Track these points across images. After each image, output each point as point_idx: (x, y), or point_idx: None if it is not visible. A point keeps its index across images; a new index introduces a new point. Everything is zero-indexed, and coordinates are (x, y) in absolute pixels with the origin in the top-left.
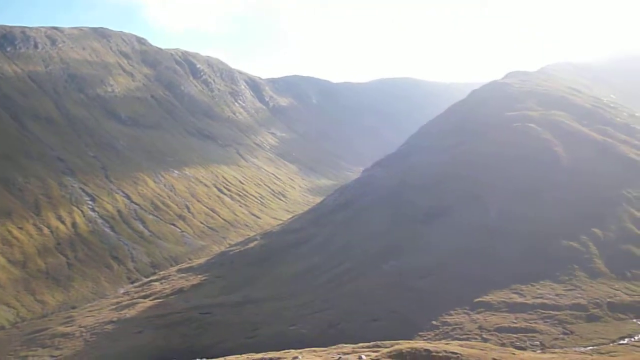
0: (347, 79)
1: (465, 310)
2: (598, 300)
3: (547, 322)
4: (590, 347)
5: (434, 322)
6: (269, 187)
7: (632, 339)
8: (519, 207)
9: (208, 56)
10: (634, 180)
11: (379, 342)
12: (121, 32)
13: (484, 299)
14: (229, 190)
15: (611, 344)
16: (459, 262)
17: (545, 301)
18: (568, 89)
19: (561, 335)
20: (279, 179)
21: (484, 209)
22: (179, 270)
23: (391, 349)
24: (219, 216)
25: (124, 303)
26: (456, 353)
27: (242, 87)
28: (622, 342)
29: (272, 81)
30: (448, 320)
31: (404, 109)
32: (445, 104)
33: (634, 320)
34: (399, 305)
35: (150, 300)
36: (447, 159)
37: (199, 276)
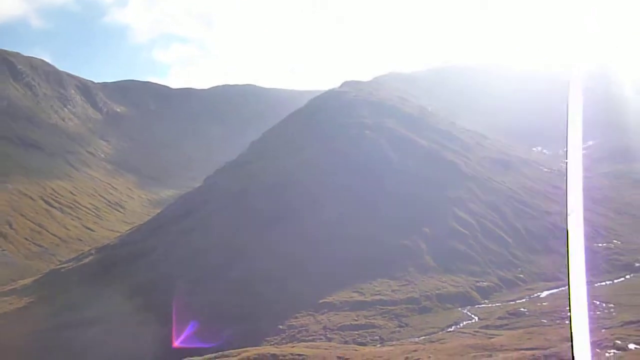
0: (186, 85)
1: (310, 312)
2: (428, 293)
3: (385, 317)
4: (423, 337)
5: (280, 327)
6: (104, 198)
7: (458, 326)
8: (357, 209)
9: (31, 57)
10: (455, 182)
11: (225, 352)
12: None
13: (327, 300)
14: (58, 202)
15: (440, 332)
16: (302, 265)
17: (383, 297)
18: (398, 98)
19: (397, 328)
20: (115, 189)
21: (324, 213)
22: (1, 294)
23: (238, 357)
24: (48, 231)
25: None
26: (302, 354)
27: (72, 91)
28: (449, 329)
29: (106, 86)
30: (294, 323)
31: (247, 115)
32: (286, 112)
33: (459, 308)
34: (246, 312)
35: None
36: (288, 165)
37: (25, 298)
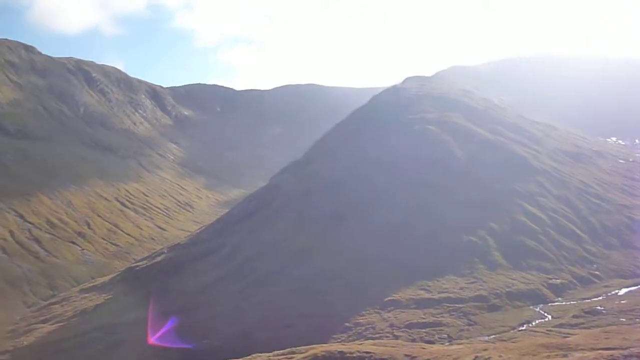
0: (250, 86)
1: (377, 310)
2: (498, 291)
3: (452, 315)
4: (493, 336)
5: (346, 324)
6: (174, 198)
7: (530, 325)
8: (422, 205)
9: (104, 64)
10: (523, 175)
11: (293, 349)
12: (6, 39)
13: (393, 297)
14: (132, 203)
15: (511, 331)
16: (367, 263)
17: (450, 295)
18: (461, 92)
19: (466, 327)
20: (184, 189)
21: (388, 210)
22: (81, 291)
23: (306, 354)
24: (123, 231)
25: (21, 330)
26: (369, 352)
27: (142, 96)
28: (521, 328)
29: (174, 90)
30: (360, 320)
31: (309, 115)
32: (349, 109)
33: (530, 306)
34: (312, 310)
35: (51, 324)
36: (350, 162)
37: (103, 295)
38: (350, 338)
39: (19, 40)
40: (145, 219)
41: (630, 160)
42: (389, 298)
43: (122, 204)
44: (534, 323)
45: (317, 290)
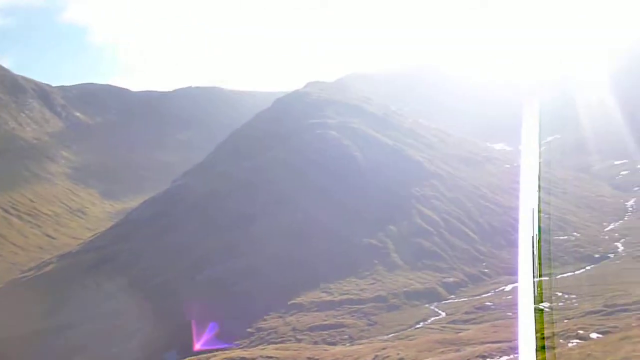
0: (147, 87)
1: (280, 314)
2: (396, 291)
3: (353, 316)
4: (392, 334)
5: (249, 330)
6: (66, 204)
7: (426, 322)
8: (323, 210)
9: None
10: (420, 179)
11: (193, 357)
12: None
13: (296, 301)
14: (17, 210)
15: (409, 329)
16: (270, 267)
17: (351, 296)
18: (362, 98)
19: (366, 327)
20: (77, 195)
21: (290, 214)
22: None
23: None
24: (6, 240)
25: None
26: (272, 357)
27: (29, 96)
28: (418, 326)
29: (65, 89)
30: (263, 325)
31: (214, 118)
32: (252, 113)
33: (427, 305)
34: (215, 316)
35: None
36: (254, 166)
37: None
38: (252, 343)
39: None
40: (32, 227)
41: (515, 165)
42: (292, 301)
43: (6, 210)
44: (429, 320)
45: (221, 295)
